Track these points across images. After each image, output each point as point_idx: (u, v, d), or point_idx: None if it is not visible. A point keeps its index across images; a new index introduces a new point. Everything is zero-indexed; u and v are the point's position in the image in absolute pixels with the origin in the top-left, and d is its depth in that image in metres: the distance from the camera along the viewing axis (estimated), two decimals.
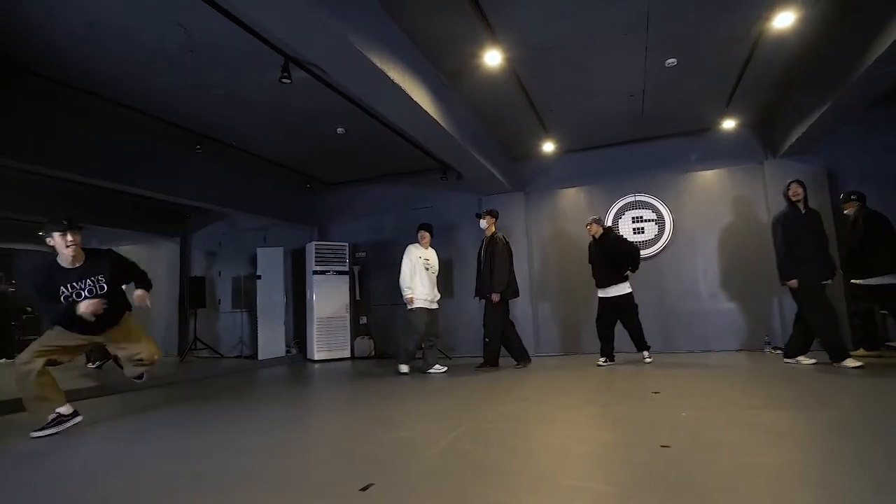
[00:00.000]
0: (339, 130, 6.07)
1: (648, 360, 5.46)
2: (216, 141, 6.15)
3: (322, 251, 7.77)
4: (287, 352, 8.14)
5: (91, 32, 3.85)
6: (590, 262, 5.76)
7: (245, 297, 8.83)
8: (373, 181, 8.24)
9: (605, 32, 4.21)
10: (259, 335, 7.94)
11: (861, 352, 5.00)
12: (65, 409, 3.27)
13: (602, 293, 5.58)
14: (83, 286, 3.16)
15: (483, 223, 5.79)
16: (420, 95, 4.28)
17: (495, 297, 5.49)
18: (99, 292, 3.20)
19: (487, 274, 5.58)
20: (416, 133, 5.15)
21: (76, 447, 2.96)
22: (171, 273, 9.50)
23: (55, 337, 3.24)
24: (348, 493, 1.90)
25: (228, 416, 3.73)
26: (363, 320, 8.16)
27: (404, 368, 5.55)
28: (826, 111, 4.74)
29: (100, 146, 5.53)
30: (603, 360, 5.52)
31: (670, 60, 4.71)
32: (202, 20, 3.68)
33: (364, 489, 1.92)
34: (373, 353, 7.96)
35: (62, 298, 3.10)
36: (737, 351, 6.09)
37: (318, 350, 7.54)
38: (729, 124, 6.31)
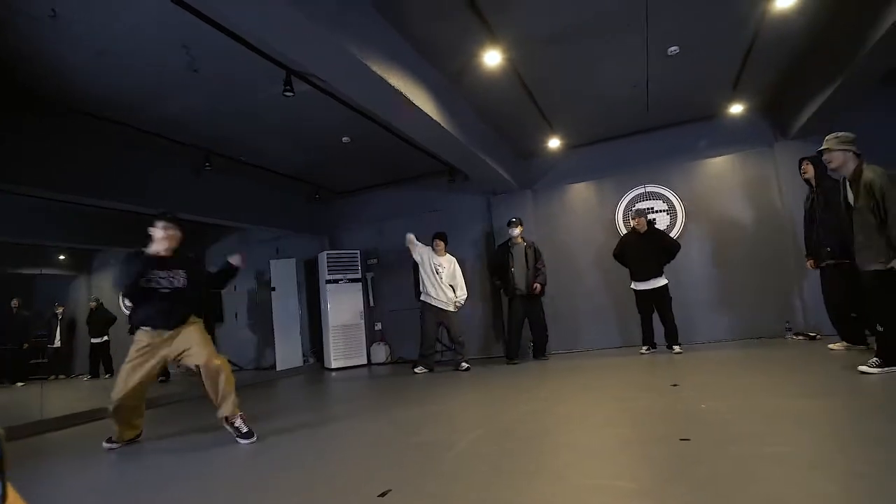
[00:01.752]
0: (345, 139, 6.10)
1: (679, 351, 5.45)
2: (225, 157, 6.22)
3: (334, 260, 7.82)
4: (304, 361, 8.19)
5: (100, 59, 3.94)
6: (618, 254, 5.88)
7: (260, 310, 8.91)
8: (380, 188, 8.27)
9: (604, 24, 4.16)
10: (276, 346, 8.01)
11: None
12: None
13: (641, 286, 5.66)
14: (166, 276, 3.30)
15: (517, 231, 6.17)
16: (422, 100, 4.28)
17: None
18: (178, 286, 3.33)
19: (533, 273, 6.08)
20: (421, 137, 5.16)
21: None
22: None
23: (138, 342, 3.25)
24: (366, 499, 1.91)
25: (254, 426, 3.75)
26: (378, 326, 8.19)
27: (417, 370, 6.05)
28: (837, 88, 4.63)
29: (111, 168, 5.61)
30: (645, 348, 5.72)
31: (672, 48, 4.66)
32: (204, 40, 3.74)
33: (382, 495, 1.92)
34: (389, 358, 7.98)
35: (147, 286, 3.23)
36: (756, 339, 5.98)
37: (334, 358, 7.58)
38: (736, 108, 6.22)
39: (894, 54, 4.09)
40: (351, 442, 3.04)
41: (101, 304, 9.14)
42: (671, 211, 6.63)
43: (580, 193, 7.18)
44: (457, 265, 6.21)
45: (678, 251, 5.66)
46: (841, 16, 4.21)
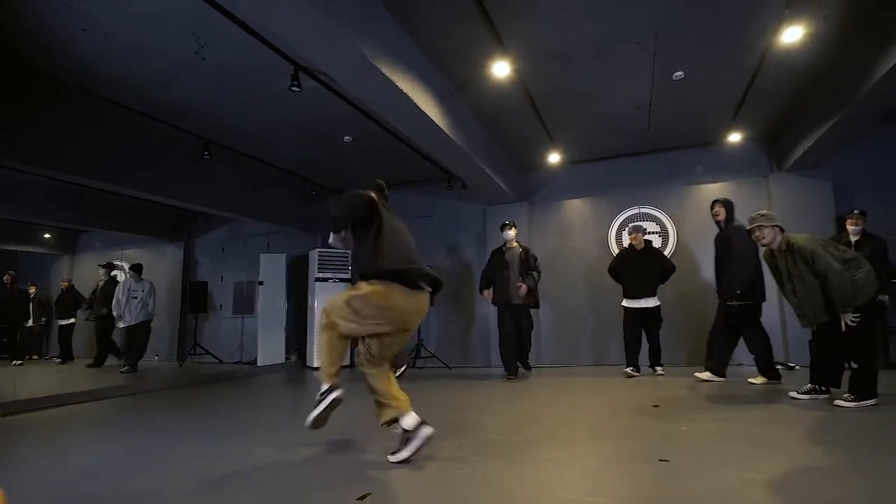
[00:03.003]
0: (346, 139, 6.09)
1: (661, 373, 5.43)
2: (224, 147, 6.19)
3: (325, 258, 7.77)
4: (287, 359, 8.11)
5: (109, 41, 3.92)
6: (614, 269, 5.70)
7: (246, 303, 8.82)
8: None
9: (613, 44, 4.22)
10: (259, 341, 7.92)
11: None
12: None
13: (633, 304, 5.49)
14: None
15: (511, 233, 5.80)
16: (427, 104, 4.29)
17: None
18: None
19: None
20: (423, 142, 5.16)
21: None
22: (174, 277, 9.52)
23: None
24: (345, 502, 1.88)
25: (228, 424, 3.71)
26: None
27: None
28: (834, 125, 4.73)
29: (109, 151, 5.58)
30: (631, 369, 5.43)
31: (678, 73, 4.72)
32: (215, 30, 3.73)
33: (361, 498, 1.90)
34: None
35: None
36: (737, 366, 6.00)
37: (317, 357, 7.49)
38: (734, 137, 6.28)
39: (892, 96, 4.18)
40: (331, 445, 3.01)
41: (72, 285, 8.87)
42: (663, 234, 6.68)
43: (576, 209, 7.22)
44: None
45: (672, 274, 5.56)
46: (844, 53, 4.30)
